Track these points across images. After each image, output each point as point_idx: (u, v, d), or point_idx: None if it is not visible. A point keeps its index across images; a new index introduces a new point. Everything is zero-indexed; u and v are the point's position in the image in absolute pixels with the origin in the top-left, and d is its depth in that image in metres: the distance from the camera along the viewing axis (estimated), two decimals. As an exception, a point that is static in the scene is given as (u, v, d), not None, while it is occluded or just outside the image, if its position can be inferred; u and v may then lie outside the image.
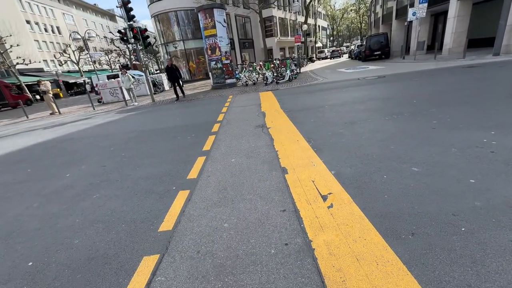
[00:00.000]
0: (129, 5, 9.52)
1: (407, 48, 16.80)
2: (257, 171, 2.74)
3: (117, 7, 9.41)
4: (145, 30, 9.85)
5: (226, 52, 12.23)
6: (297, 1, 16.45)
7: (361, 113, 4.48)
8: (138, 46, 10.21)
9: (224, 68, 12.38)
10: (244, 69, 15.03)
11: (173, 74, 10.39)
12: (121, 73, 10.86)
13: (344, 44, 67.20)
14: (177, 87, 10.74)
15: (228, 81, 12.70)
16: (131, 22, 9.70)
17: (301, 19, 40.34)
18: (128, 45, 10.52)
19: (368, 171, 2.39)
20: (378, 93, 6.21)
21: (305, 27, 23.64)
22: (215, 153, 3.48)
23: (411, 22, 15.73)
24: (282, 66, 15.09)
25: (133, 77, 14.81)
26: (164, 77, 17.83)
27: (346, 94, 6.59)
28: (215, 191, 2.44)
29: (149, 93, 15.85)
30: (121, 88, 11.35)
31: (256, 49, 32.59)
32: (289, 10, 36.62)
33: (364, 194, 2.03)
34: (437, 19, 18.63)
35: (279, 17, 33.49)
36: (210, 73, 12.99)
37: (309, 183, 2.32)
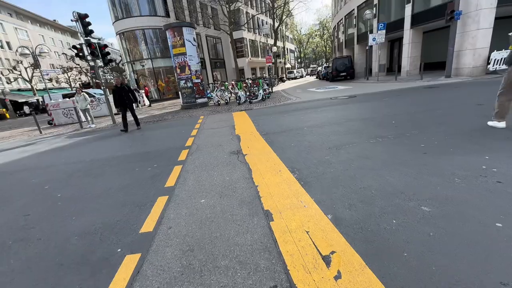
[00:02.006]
0: (87, 19, 8.68)
1: (369, 70, 18.05)
2: (234, 217, 2.14)
3: (72, 20, 8.51)
4: (105, 46, 9.01)
5: (196, 71, 11.75)
6: (266, 24, 16.85)
7: (343, 136, 4.19)
8: (97, 63, 9.25)
9: (194, 87, 11.82)
10: (216, 88, 14.65)
11: (123, 97, 7.52)
12: (76, 92, 9.67)
13: (311, 66, 71.43)
14: (133, 113, 8.08)
15: (199, 100, 12.11)
16: (88, 38, 8.80)
17: (270, 41, 42.13)
18: (89, 62, 9.39)
19: (372, 214, 1.93)
20: (354, 113, 6.11)
21: (274, 48, 24.45)
22: (181, 191, 2.81)
23: (371, 46, 17.00)
24: (255, 85, 15.03)
25: (92, 95, 13.53)
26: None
27: (322, 115, 6.41)
28: (177, 254, 1.77)
29: (114, 112, 14.58)
30: (75, 108, 10.08)
31: (227, 69, 32.79)
32: (259, 33, 38.07)
33: (377, 253, 1.54)
34: (393, 44, 20.51)
35: (249, 39, 34.49)
36: (179, 92, 12.31)
37: (303, 236, 1.78)
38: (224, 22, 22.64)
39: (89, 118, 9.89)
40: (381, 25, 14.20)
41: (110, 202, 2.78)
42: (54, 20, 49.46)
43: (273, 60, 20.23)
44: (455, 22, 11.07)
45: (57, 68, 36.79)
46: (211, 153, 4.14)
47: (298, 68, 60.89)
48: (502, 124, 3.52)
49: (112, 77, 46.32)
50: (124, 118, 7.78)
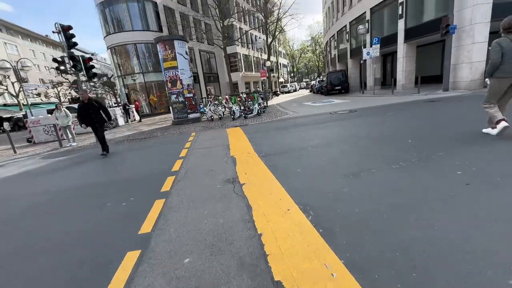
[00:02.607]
0: (70, 31, 8.14)
1: (364, 84, 18.02)
2: (230, 296, 1.45)
3: (53, 32, 7.94)
4: (90, 59, 8.43)
5: (188, 85, 11.24)
6: (260, 39, 16.75)
7: (357, 158, 3.60)
8: (80, 77, 8.62)
9: (186, 102, 11.25)
10: (209, 102, 14.16)
11: (90, 115, 6.15)
12: (56, 109, 8.92)
13: (304, 80, 72.65)
14: (100, 135, 6.47)
15: (191, 115, 11.51)
16: (72, 50, 8.22)
17: (263, 56, 42.63)
18: (74, 75, 8.74)
19: (439, 294, 1.29)
20: (360, 130, 5.59)
21: (268, 63, 24.46)
22: (159, 242, 2.11)
23: (365, 60, 17.00)
24: (249, 99, 14.62)
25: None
26: (118, 111, 15.95)
27: (325, 131, 5.86)
28: None
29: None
30: (54, 125, 9.29)
31: (221, 83, 32.64)
32: (252, 47, 38.48)
33: None
34: (386, 58, 20.72)
35: (243, 54, 34.72)
36: (171, 107, 11.70)
37: None
38: (217, 37, 22.61)
39: (69, 136, 9.11)
40: (375, 40, 14.20)
41: (63, 259, 2.05)
42: (46, 35, 49.12)
43: (268, 74, 20.03)
44: (450, 36, 11.03)
45: (47, 82, 35.92)
46: (201, 182, 3.47)
47: (291, 82, 61.69)
48: (494, 132, 3.65)
49: (104, 92, 45.68)
50: (97, 138, 6.60)
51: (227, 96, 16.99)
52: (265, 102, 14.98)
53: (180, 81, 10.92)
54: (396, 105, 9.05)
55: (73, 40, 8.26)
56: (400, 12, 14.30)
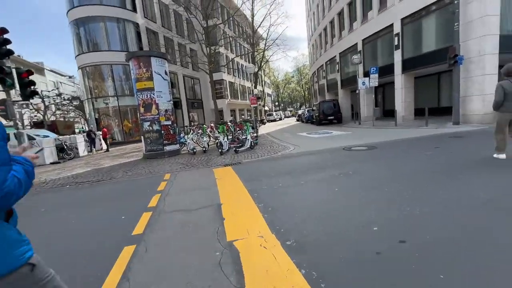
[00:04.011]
0: (5, 35, 6.00)
1: (356, 114, 17.12)
2: None
3: (-23, 35, 5.75)
4: (28, 72, 6.22)
5: (167, 111, 9.19)
6: (250, 64, 15.57)
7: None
8: (12, 94, 6.29)
9: (163, 131, 9.09)
10: (192, 131, 12.08)
11: None
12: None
13: (288, 109, 73.64)
14: None
15: (169, 147, 9.28)
16: (4, 60, 6.01)
17: (248, 84, 42.33)
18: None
19: None
20: (424, 184, 3.74)
21: (256, 91, 23.39)
22: None
23: (359, 90, 16.22)
24: (239, 129, 12.75)
25: (33, 137, 10.05)
26: (79, 139, 13.28)
27: (362, 181, 3.95)
28: None
29: (52, 161, 10.98)
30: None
31: (205, 110, 30.97)
32: (238, 75, 38.02)
33: None
34: (377, 89, 20.33)
35: (229, 81, 33.87)
36: (142, 137, 9.43)
37: None
38: (203, 62, 21.36)
39: None
40: (373, 69, 13.42)
41: None
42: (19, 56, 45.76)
43: (259, 102, 18.63)
44: (458, 67, 10.28)
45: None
46: None
47: (276, 111, 61.93)
48: (502, 156, 4.36)
49: (76, 116, 41.97)
50: None
51: (212, 124, 15.06)
52: (256, 132, 13.18)
53: (156, 105, 8.87)
54: (418, 141, 7.56)
55: (7, 47, 6.09)
56: (396, 43, 13.87)
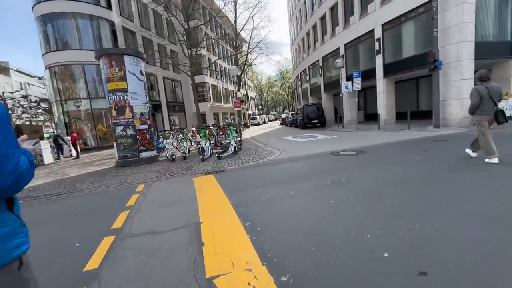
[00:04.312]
0: None
1: (340, 118, 17.21)
2: None
3: None
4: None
5: (142, 114, 8.45)
6: (234, 66, 15.13)
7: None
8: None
9: (138, 136, 8.32)
10: (172, 136, 11.34)
11: None
12: None
13: (271, 113, 73.89)
14: None
15: (145, 154, 8.52)
16: None
17: (231, 87, 41.84)
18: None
19: None
20: (429, 191, 3.45)
21: (239, 94, 22.97)
22: None
23: (342, 94, 16.31)
24: (221, 133, 12.20)
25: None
26: (44, 145, 12.02)
27: (375, 190, 3.59)
28: None
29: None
30: None
31: (187, 113, 29.97)
32: (221, 78, 37.41)
33: None
34: (358, 93, 20.67)
35: (211, 84, 33.16)
36: (115, 143, 8.58)
37: None
38: (185, 64, 20.57)
39: None
40: (356, 73, 13.48)
41: None
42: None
43: (243, 105, 18.22)
44: (437, 72, 10.51)
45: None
46: None
47: (259, 114, 61.81)
48: (495, 160, 4.33)
49: (45, 119, 38.93)
50: None
51: (193, 129, 14.35)
52: (240, 137, 12.69)
53: (130, 108, 8.11)
54: (405, 144, 7.48)
55: None
56: (377, 48, 14.09)
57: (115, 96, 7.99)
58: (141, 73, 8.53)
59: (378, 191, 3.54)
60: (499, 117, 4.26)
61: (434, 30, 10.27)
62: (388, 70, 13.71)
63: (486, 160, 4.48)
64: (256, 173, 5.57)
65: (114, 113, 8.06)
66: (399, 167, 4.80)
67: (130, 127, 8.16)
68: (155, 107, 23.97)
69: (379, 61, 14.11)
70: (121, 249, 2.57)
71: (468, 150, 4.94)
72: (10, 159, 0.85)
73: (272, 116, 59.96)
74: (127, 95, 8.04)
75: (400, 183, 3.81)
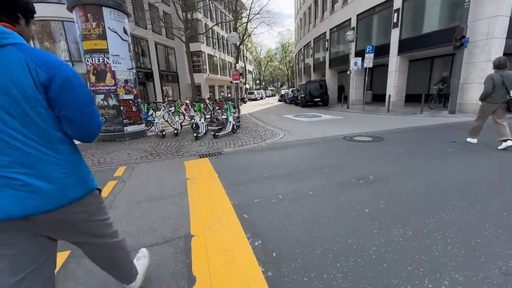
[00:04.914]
0: None
1: (345, 97, 16.14)
2: None
3: None
4: None
5: (127, 82, 7.25)
6: (233, 33, 13.51)
7: None
8: None
9: (122, 108, 7.22)
10: (163, 108, 10.26)
11: None
12: None
13: (269, 88, 71.57)
14: None
15: (130, 128, 7.49)
16: None
17: (229, 59, 39.42)
18: None
19: None
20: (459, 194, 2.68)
21: (238, 66, 21.32)
22: None
23: (350, 71, 15.08)
24: (218, 108, 11.13)
25: None
26: None
27: (399, 197, 2.79)
28: None
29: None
30: None
31: (181, 84, 28.20)
32: (218, 48, 34.94)
33: None
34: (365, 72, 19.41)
35: (208, 53, 30.92)
36: (95, 114, 7.46)
37: None
38: (179, 28, 18.59)
39: None
40: (369, 48, 12.21)
41: None
42: None
43: (241, 78, 16.87)
44: (461, 51, 9.41)
45: None
46: None
47: (256, 89, 59.61)
48: (474, 141, 4.94)
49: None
50: None
51: (187, 101, 13.15)
52: (238, 113, 11.65)
53: (112, 73, 6.89)
54: (424, 132, 6.67)
55: None
56: (395, 20, 12.65)
57: (93, 58, 6.71)
58: (125, 32, 7.16)
59: (424, 199, 2.75)
60: (511, 106, 4.31)
61: (466, 1, 8.96)
62: (404, 46, 12.43)
63: (468, 139, 5.06)
64: (259, 159, 4.71)
65: (92, 78, 6.84)
66: (433, 164, 4.00)
67: (112, 96, 7.00)
68: (147, 76, 22.22)
69: (395, 36, 12.76)
70: (77, 278, 1.74)
71: (469, 139, 5.09)
72: (97, 113, 1.10)
73: (270, 91, 57.93)
74: (108, 58, 6.77)
75: (447, 188, 3.02)
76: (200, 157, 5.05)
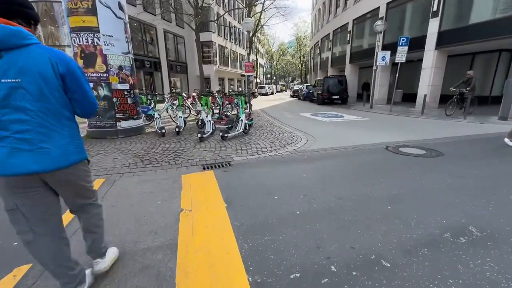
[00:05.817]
0: None
1: (367, 96, 14.59)
2: None
3: None
4: None
5: (122, 69, 6.08)
6: (248, 18, 12.16)
7: None
8: None
9: (115, 99, 6.08)
10: (167, 100, 9.14)
11: None
12: None
13: (280, 83, 69.65)
14: None
15: (124, 124, 6.36)
16: None
17: (241, 51, 37.94)
18: None
19: None
20: None
21: (250, 58, 19.96)
22: None
23: (377, 67, 13.50)
24: (228, 103, 9.92)
25: None
26: None
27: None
28: None
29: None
30: None
31: (190, 76, 27.04)
32: (230, 39, 33.48)
33: None
34: (392, 68, 17.70)
35: (219, 44, 29.54)
36: (85, 105, 6.35)
37: None
38: (189, 14, 17.29)
39: None
40: (403, 40, 10.63)
41: None
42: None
43: (254, 71, 15.50)
44: (523, 44, 7.78)
45: None
46: None
47: (267, 84, 57.88)
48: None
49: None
50: None
51: (194, 94, 11.95)
52: (250, 109, 10.39)
53: (103, 57, 5.73)
54: (486, 143, 5.23)
55: None
56: (434, 8, 10.95)
57: (80, 38, 5.56)
58: (121, 8, 5.96)
59: None
60: None
61: (535, -18, 7.29)
62: (444, 39, 10.76)
63: (505, 140, 5.02)
64: (283, 178, 3.45)
65: (80, 62, 5.70)
66: (550, 201, 2.65)
67: (103, 85, 5.86)
68: (155, 65, 21.14)
69: (433, 27, 11.08)
70: None
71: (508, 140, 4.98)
72: (93, 95, 1.43)
73: (280, 86, 56.08)
74: (98, 38, 5.60)
75: None
76: (204, 169, 3.85)
